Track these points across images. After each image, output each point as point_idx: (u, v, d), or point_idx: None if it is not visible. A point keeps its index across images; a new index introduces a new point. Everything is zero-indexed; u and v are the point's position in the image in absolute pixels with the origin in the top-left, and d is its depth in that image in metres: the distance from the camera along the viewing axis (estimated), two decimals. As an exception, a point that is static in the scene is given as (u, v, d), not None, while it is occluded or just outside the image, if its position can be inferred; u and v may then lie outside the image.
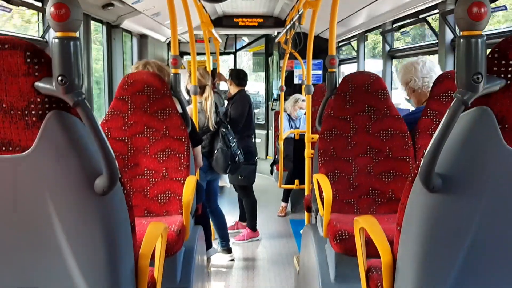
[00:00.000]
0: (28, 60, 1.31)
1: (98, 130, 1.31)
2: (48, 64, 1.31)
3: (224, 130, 4.46)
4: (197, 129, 4.30)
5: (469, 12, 1.23)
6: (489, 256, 1.43)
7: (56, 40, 1.26)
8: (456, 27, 3.83)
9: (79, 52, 1.27)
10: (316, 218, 3.11)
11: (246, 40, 10.03)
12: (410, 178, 1.51)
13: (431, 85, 2.97)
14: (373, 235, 1.78)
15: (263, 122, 9.25)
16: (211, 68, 6.30)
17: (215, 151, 4.42)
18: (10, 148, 1.34)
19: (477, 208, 1.37)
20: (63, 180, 1.35)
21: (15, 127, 1.33)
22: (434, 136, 1.34)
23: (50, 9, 1.24)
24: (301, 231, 3.65)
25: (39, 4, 3.69)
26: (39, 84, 1.31)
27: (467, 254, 1.40)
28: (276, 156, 6.93)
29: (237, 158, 4.51)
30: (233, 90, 5.40)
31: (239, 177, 5.08)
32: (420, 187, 1.41)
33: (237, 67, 9.62)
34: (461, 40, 1.27)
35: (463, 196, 1.38)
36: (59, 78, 1.26)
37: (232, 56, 9.86)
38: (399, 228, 1.58)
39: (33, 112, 1.33)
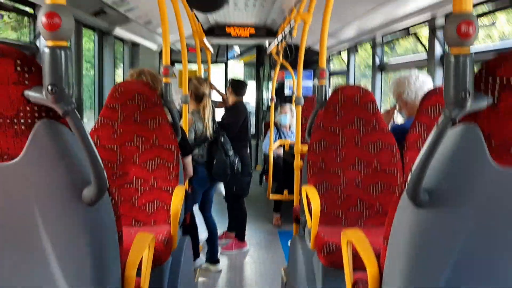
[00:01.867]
0: (18, 68, 1.31)
1: (87, 139, 1.30)
2: (39, 73, 1.31)
3: (222, 139, 4.48)
4: (195, 137, 4.31)
5: (458, 30, 1.25)
6: (475, 271, 1.44)
7: (47, 49, 1.25)
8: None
9: (69, 61, 1.27)
10: (304, 229, 3.11)
11: (237, 50, 10.07)
12: (397, 193, 1.52)
13: None
14: (360, 249, 1.78)
15: (253, 132, 9.26)
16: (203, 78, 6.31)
17: (215, 161, 4.44)
18: None
19: (464, 224, 1.37)
20: (51, 189, 1.34)
21: (3, 136, 1.32)
22: (422, 152, 1.35)
23: (41, 18, 1.23)
24: (289, 242, 3.65)
25: (31, 11, 3.69)
26: (29, 92, 1.31)
27: (453, 269, 1.41)
28: (265, 166, 6.94)
29: (236, 167, 4.53)
30: (232, 100, 5.41)
31: (233, 189, 5.07)
32: (407, 202, 1.42)
33: (228, 76, 9.65)
34: (450, 57, 1.29)
35: (450, 212, 1.39)
36: (49, 87, 1.25)
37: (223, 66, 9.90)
38: (385, 242, 1.59)
39: (22, 121, 1.33)
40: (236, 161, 4.58)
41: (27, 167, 1.32)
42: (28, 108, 1.32)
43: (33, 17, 3.76)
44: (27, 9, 3.70)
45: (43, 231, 1.35)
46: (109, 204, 1.48)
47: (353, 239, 1.87)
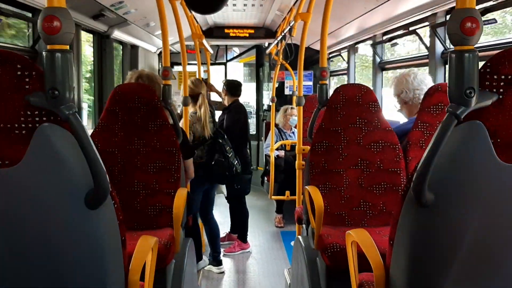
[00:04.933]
0: (19, 73, 1.30)
1: (88, 144, 1.29)
2: (40, 77, 1.30)
3: (221, 140, 4.46)
4: (194, 139, 4.29)
5: (462, 27, 1.23)
6: (481, 270, 1.43)
7: (48, 53, 1.24)
8: (447, 40, 3.87)
9: (70, 65, 1.26)
10: (307, 230, 3.10)
11: (237, 50, 10.05)
12: (402, 193, 1.50)
13: (422, 97, 2.99)
14: (366, 249, 1.77)
15: (254, 133, 9.24)
16: (202, 79, 6.29)
17: (213, 162, 4.42)
18: (0, 162, 1.32)
19: (469, 222, 1.36)
20: (53, 194, 1.33)
21: (5, 141, 1.31)
22: (426, 150, 1.33)
23: (41, 22, 1.22)
24: (292, 243, 3.63)
25: (30, 15, 3.67)
26: (30, 97, 1.30)
27: (459, 268, 1.40)
28: (267, 167, 6.93)
29: (234, 168, 4.51)
30: (228, 100, 5.39)
31: (235, 187, 5.06)
32: (412, 202, 1.41)
33: (228, 77, 9.62)
34: (454, 55, 1.27)
35: (455, 211, 1.38)
36: (50, 91, 1.25)
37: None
38: (391, 242, 1.57)
39: (23, 125, 1.31)
40: (235, 163, 4.56)
41: (28, 172, 1.31)
42: (29, 112, 1.31)
43: (32, 22, 3.75)
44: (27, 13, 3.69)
45: (45, 235, 1.34)
46: (112, 208, 1.46)
47: (359, 240, 1.86)
